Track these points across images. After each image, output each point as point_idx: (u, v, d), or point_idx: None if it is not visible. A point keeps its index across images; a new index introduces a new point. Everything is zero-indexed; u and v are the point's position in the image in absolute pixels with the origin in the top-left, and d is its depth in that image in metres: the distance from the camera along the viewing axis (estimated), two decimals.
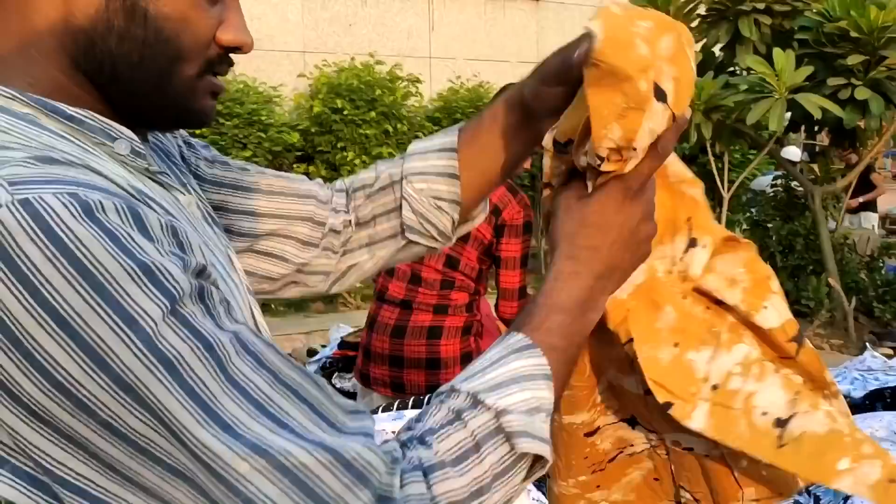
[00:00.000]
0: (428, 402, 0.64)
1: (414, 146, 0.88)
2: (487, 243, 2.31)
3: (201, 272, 0.55)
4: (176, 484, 0.51)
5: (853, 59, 4.32)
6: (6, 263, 0.47)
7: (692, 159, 4.88)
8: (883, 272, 4.95)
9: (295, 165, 7.52)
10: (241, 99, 7.22)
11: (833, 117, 4.42)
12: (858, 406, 2.21)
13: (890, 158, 15.81)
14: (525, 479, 0.61)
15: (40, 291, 0.47)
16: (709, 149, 4.89)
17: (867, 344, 4.20)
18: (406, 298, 2.36)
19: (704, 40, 5.00)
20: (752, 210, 5.37)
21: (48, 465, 0.51)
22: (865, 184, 8.46)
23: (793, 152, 7.38)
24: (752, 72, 4.47)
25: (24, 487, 0.53)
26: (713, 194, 6.46)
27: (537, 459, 0.61)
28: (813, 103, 4.23)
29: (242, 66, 7.67)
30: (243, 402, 0.51)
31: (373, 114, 7.45)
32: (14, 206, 0.47)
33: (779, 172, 5.36)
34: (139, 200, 0.56)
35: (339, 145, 7.49)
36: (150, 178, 0.63)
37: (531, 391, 0.60)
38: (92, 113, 0.60)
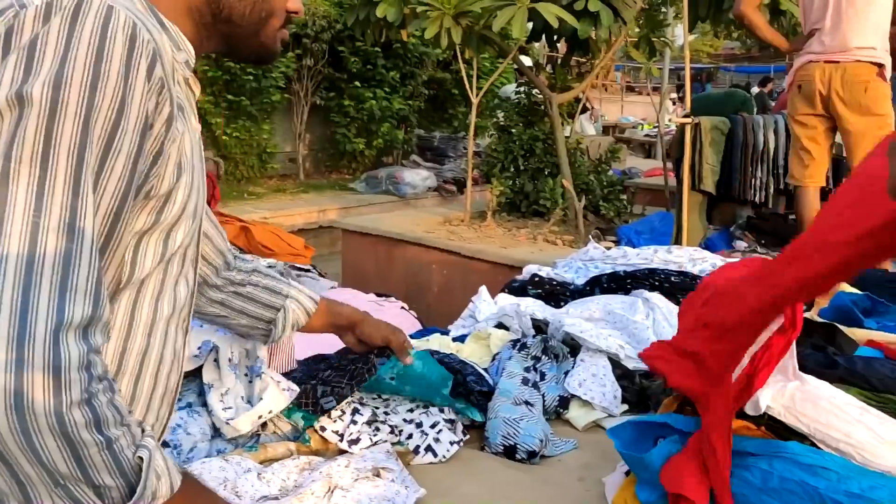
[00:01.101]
0: None
1: (298, 287, 1.44)
2: None
3: (163, 142, 0.81)
4: None
5: None
6: (72, 21, 0.73)
7: (445, 66, 5.00)
8: (609, 174, 5.47)
9: None
10: None
11: (570, 28, 4.72)
12: (580, 292, 2.45)
13: (620, 72, 17.32)
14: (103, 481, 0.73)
15: (69, 47, 0.73)
16: (459, 55, 5.01)
17: (591, 238, 4.68)
18: None
19: None
20: (499, 115, 5.64)
21: None
22: None
23: (524, 62, 7.83)
24: None
25: None
26: (464, 100, 6.68)
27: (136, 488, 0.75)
28: (551, 13, 4.48)
29: None
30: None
31: None
32: (104, 4, 0.75)
33: (523, 80, 5.65)
34: (168, 75, 0.81)
35: None
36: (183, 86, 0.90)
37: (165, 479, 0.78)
38: (177, 28, 0.88)
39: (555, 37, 5.26)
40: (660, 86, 9.85)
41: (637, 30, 5.27)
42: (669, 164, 5.05)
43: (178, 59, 0.88)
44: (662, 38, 5.14)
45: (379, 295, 3.15)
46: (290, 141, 8.89)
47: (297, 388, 1.49)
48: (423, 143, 8.86)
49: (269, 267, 3.15)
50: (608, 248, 3.87)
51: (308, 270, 3.35)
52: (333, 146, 9.11)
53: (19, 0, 0.76)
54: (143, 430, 0.78)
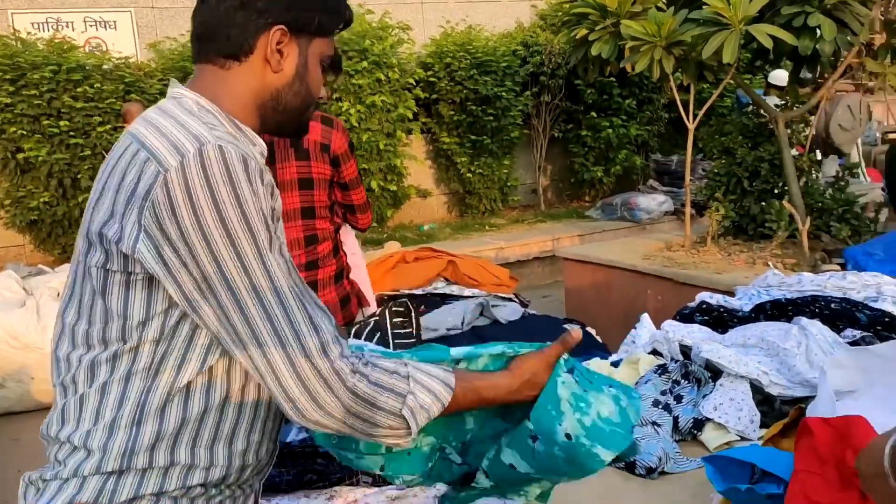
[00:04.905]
0: None
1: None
2: (329, 178, 2.54)
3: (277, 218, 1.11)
4: (241, 305, 1.03)
5: None
6: (204, 171, 1.02)
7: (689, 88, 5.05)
8: (847, 192, 5.13)
9: None
10: None
11: (789, 46, 4.57)
12: (746, 318, 2.50)
13: None
14: (387, 432, 1.08)
15: (213, 190, 1.02)
16: (672, 82, 5.06)
17: (819, 261, 4.45)
18: None
19: None
20: (722, 138, 5.54)
21: (186, 294, 1.04)
22: None
23: (780, 76, 7.43)
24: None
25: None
26: (706, 121, 6.57)
27: (405, 434, 1.09)
28: (763, 33, 4.38)
29: None
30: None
31: (364, 63, 7.65)
32: (216, 147, 1.04)
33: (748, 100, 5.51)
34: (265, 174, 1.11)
35: (334, 96, 7.72)
36: None
37: (431, 400, 1.10)
38: (249, 128, 1.19)
39: (780, 56, 5.09)
40: None
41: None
42: None
43: (255, 154, 1.16)
44: None
45: (568, 321, 3.37)
46: (530, 173, 9.33)
47: None
48: (661, 167, 8.80)
49: (473, 297, 3.51)
50: (832, 272, 3.73)
51: (510, 299, 3.66)
52: (573, 175, 9.39)
53: (156, 158, 1.04)
54: (407, 378, 1.08)
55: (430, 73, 8.35)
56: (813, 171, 5.30)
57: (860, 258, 4.16)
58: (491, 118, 8.32)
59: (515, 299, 3.66)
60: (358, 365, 1.06)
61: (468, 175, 8.56)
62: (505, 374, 1.18)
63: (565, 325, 3.17)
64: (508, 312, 3.35)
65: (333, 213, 2.63)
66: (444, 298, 3.48)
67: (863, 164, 7.12)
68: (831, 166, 6.23)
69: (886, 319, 2.11)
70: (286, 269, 1.06)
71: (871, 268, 3.86)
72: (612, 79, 8.49)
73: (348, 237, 2.78)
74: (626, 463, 1.87)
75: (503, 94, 8.32)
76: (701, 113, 5.09)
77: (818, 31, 4.50)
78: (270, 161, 2.52)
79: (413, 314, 2.11)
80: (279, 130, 1.25)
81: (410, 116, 7.96)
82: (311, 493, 1.70)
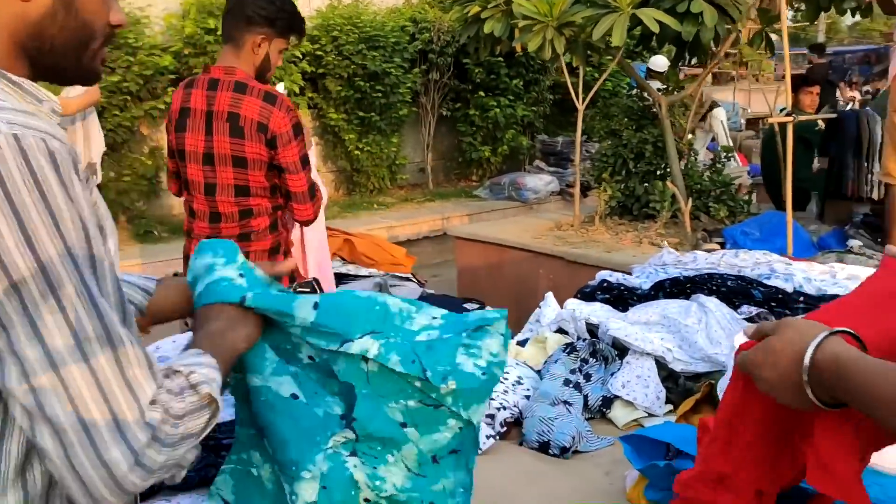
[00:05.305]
0: None
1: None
2: (267, 159, 2.36)
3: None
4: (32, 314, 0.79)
5: None
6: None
7: (572, 70, 5.13)
8: (723, 175, 5.38)
9: (170, 89, 7.38)
10: None
11: (673, 31, 4.71)
12: (646, 296, 2.54)
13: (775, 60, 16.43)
14: (209, 419, 0.92)
15: (6, 187, 0.78)
16: (563, 63, 5.12)
17: (700, 241, 4.64)
18: (211, 235, 2.43)
19: None
20: (609, 120, 5.68)
21: None
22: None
23: (659, 62, 7.69)
24: None
25: None
26: (591, 104, 6.70)
27: (216, 411, 0.92)
28: (650, 17, 4.50)
29: None
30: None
31: None
32: (10, 137, 0.79)
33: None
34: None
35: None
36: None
37: (208, 370, 0.94)
38: (27, 80, 0.92)
39: (663, 41, 5.25)
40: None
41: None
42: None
43: (44, 111, 0.93)
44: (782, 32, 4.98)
45: (467, 300, 3.36)
46: (418, 152, 9.28)
47: None
48: (547, 147, 8.97)
49: (370, 276, 3.43)
50: (713, 250, 3.86)
51: (408, 279, 3.61)
52: (461, 155, 9.42)
53: None
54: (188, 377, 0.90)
55: (316, 46, 8.13)
56: (692, 154, 5.52)
57: (738, 237, 4.36)
58: (379, 94, 8.20)
59: (413, 279, 3.61)
60: (162, 395, 0.88)
61: (356, 152, 8.42)
62: (206, 322, 1.05)
63: (465, 305, 3.15)
64: (406, 293, 3.30)
65: (276, 193, 2.43)
66: (341, 279, 3.38)
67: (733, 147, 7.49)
68: (700, 149, 6.53)
69: (780, 296, 2.20)
70: (119, 298, 0.86)
71: (748, 246, 4.06)
72: (500, 58, 8.55)
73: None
74: (540, 444, 1.86)
75: (392, 70, 8.21)
76: (590, 95, 5.18)
77: (700, 17, 4.67)
78: (208, 132, 2.35)
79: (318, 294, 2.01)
80: (57, 77, 0.97)
81: (297, 91, 7.73)
82: None
